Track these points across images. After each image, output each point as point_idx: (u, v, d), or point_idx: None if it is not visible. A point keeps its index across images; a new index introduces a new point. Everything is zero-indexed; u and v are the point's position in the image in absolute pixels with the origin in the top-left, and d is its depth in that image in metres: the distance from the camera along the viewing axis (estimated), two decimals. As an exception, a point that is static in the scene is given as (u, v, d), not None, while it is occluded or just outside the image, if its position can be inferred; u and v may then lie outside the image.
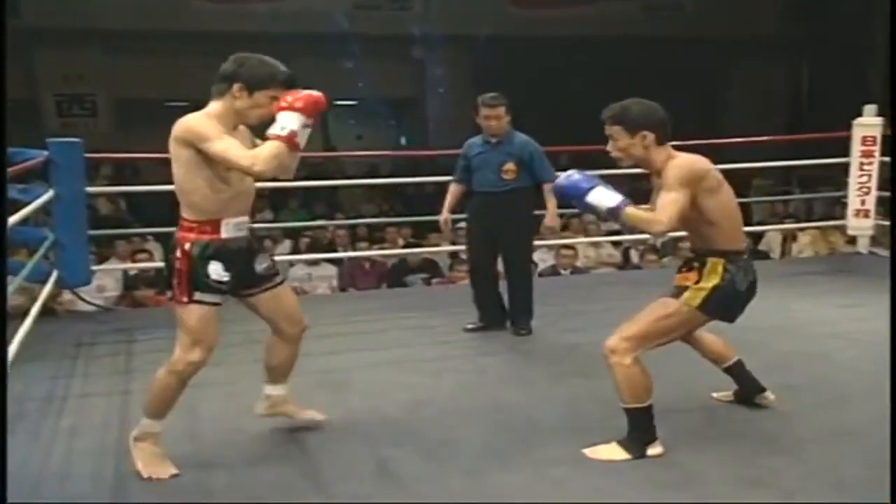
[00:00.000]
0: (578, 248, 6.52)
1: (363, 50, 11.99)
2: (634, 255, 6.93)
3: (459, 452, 2.68)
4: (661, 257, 6.61)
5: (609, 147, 2.64)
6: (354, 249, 6.94)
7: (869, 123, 5.73)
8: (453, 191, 4.37)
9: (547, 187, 4.09)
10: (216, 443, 2.82)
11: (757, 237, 7.33)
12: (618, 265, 6.88)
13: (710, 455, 2.60)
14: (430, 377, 3.53)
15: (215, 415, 3.08)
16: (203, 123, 2.39)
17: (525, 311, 4.22)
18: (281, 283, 2.70)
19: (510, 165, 4.10)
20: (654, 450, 2.60)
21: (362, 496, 2.41)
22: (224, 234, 2.48)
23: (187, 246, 2.46)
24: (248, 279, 2.59)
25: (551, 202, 4.12)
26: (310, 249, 6.95)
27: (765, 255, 7.08)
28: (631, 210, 2.54)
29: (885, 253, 6.68)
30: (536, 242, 6.85)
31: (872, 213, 5.81)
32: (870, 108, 5.77)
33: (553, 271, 6.39)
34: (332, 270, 6.54)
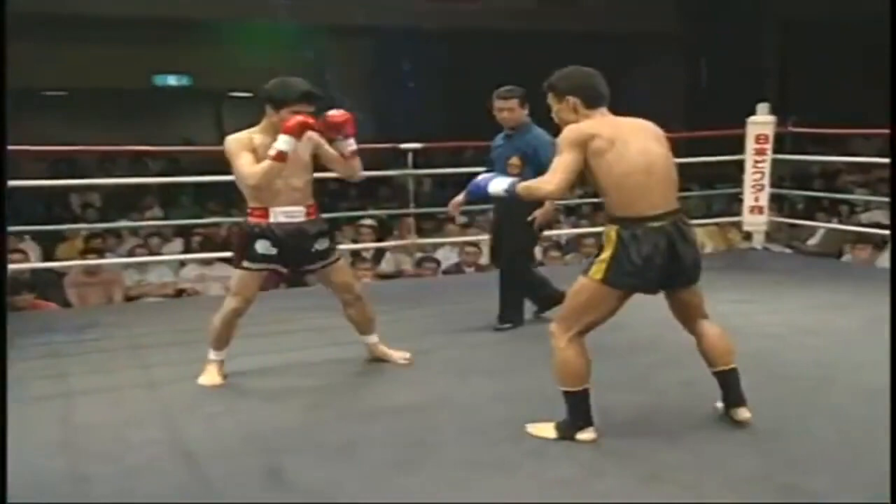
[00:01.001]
0: (483, 245, 6.61)
1: (262, 39, 11.78)
2: (538, 253, 7.06)
3: (358, 458, 2.68)
4: (564, 254, 6.76)
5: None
6: (251, 248, 6.80)
7: (762, 121, 5.99)
8: None
9: None
10: (95, 454, 2.72)
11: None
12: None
13: (609, 450, 2.68)
14: (329, 380, 3.51)
15: (95, 424, 2.97)
16: (232, 143, 3.21)
17: (506, 307, 4.29)
18: (336, 260, 3.45)
19: (514, 160, 4.12)
20: (584, 434, 2.69)
21: (255, 507, 2.38)
22: (272, 220, 3.28)
23: (246, 226, 3.30)
24: (301, 257, 3.37)
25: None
26: (203, 248, 6.78)
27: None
28: (522, 183, 2.81)
29: (779, 248, 7.06)
30: (442, 240, 7.01)
31: (766, 210, 6.10)
32: (762, 107, 6.04)
33: (457, 269, 6.46)
34: (227, 270, 6.37)
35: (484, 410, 3.08)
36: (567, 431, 2.71)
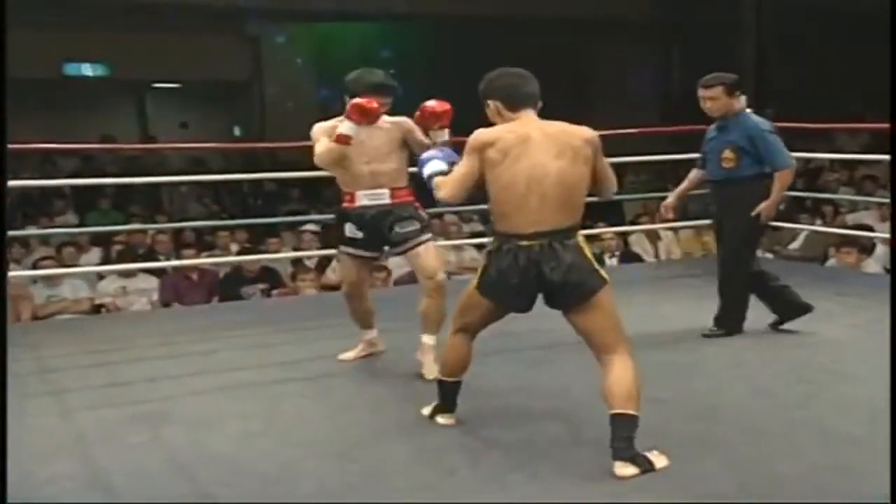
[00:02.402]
0: (438, 251, 6.62)
1: (188, 23, 11.67)
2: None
3: (296, 491, 2.66)
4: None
5: None
6: (179, 257, 6.75)
7: (739, 113, 6.07)
8: (691, 176, 4.57)
9: (777, 174, 4.14)
10: None
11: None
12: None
13: (574, 471, 2.70)
14: (265, 404, 3.48)
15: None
16: (315, 128, 3.71)
17: (725, 310, 4.30)
18: (422, 243, 3.73)
19: (727, 153, 4.17)
20: (443, 419, 3.14)
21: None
22: (357, 203, 3.72)
23: (339, 210, 3.83)
24: (383, 239, 3.76)
25: (774, 190, 4.16)
26: (124, 258, 6.68)
27: (637, 258, 7.42)
28: (438, 178, 2.92)
29: (759, 253, 7.17)
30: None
31: (745, 211, 6.19)
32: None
33: (411, 278, 6.45)
34: (151, 282, 6.34)
35: (438, 435, 3.08)
36: (434, 412, 3.18)
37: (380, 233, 3.74)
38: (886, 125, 3.84)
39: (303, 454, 2.93)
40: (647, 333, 4.32)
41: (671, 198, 4.66)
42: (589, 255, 2.75)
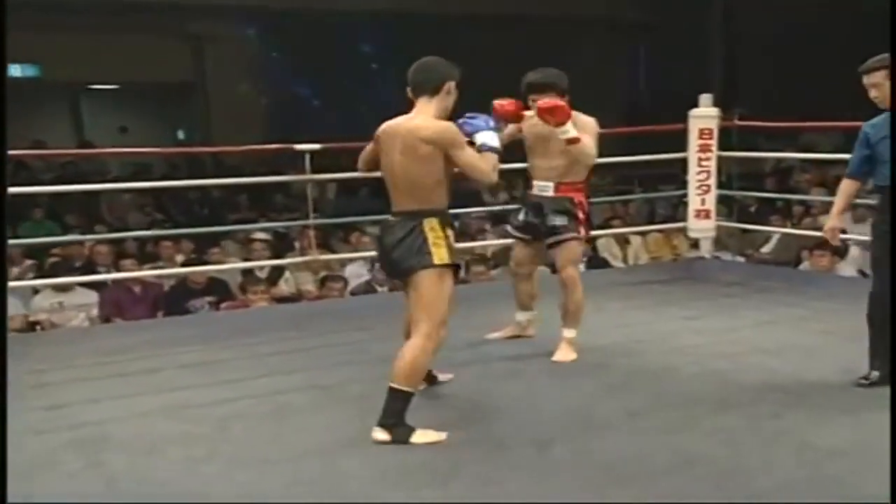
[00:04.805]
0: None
1: (124, 21, 11.53)
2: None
3: (250, 516, 2.63)
4: (489, 269, 6.81)
5: None
6: (120, 270, 6.65)
7: (705, 115, 6.15)
8: (846, 189, 3.88)
9: None
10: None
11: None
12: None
13: (549, 486, 2.70)
14: (213, 426, 3.43)
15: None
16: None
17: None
18: (566, 241, 4.16)
19: None
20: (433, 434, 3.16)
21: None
22: (532, 191, 4.29)
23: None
24: (535, 229, 4.25)
25: None
26: (59, 271, 6.57)
27: (605, 264, 7.47)
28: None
29: (730, 257, 7.28)
30: (350, 255, 6.97)
31: (713, 214, 6.27)
32: (706, 98, 6.20)
33: (368, 288, 6.44)
34: (90, 297, 6.24)
35: (400, 453, 3.06)
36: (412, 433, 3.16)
37: (533, 221, 4.27)
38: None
39: (253, 479, 2.89)
40: (619, 342, 4.36)
41: (834, 220, 3.94)
42: (429, 238, 3.19)
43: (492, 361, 4.12)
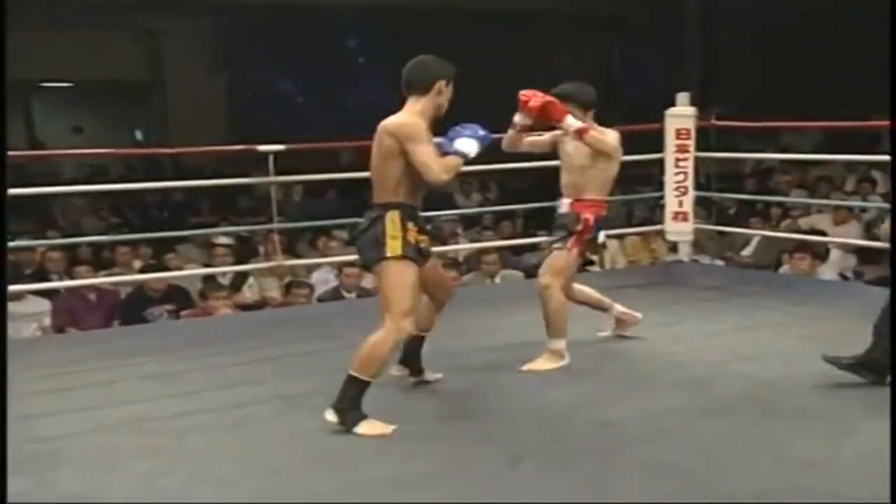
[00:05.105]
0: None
1: (76, 16, 11.44)
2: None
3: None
4: (461, 274, 6.81)
5: None
6: (74, 277, 6.59)
7: (682, 114, 6.18)
8: None
9: None
10: None
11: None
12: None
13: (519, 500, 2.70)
14: (173, 439, 3.41)
15: None
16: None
17: None
18: (555, 250, 4.25)
19: None
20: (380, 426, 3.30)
21: None
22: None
23: None
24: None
25: None
26: (10, 279, 6.50)
27: (581, 268, 7.48)
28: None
29: (709, 260, 7.33)
30: (317, 260, 6.95)
31: (691, 216, 6.30)
32: (682, 97, 6.22)
33: (335, 294, 6.42)
34: (43, 305, 6.20)
35: (363, 466, 3.06)
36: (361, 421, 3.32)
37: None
38: (841, 124, 3.91)
39: (214, 493, 2.88)
40: (596, 349, 4.38)
41: None
42: (388, 231, 3.33)
43: (467, 370, 4.11)
